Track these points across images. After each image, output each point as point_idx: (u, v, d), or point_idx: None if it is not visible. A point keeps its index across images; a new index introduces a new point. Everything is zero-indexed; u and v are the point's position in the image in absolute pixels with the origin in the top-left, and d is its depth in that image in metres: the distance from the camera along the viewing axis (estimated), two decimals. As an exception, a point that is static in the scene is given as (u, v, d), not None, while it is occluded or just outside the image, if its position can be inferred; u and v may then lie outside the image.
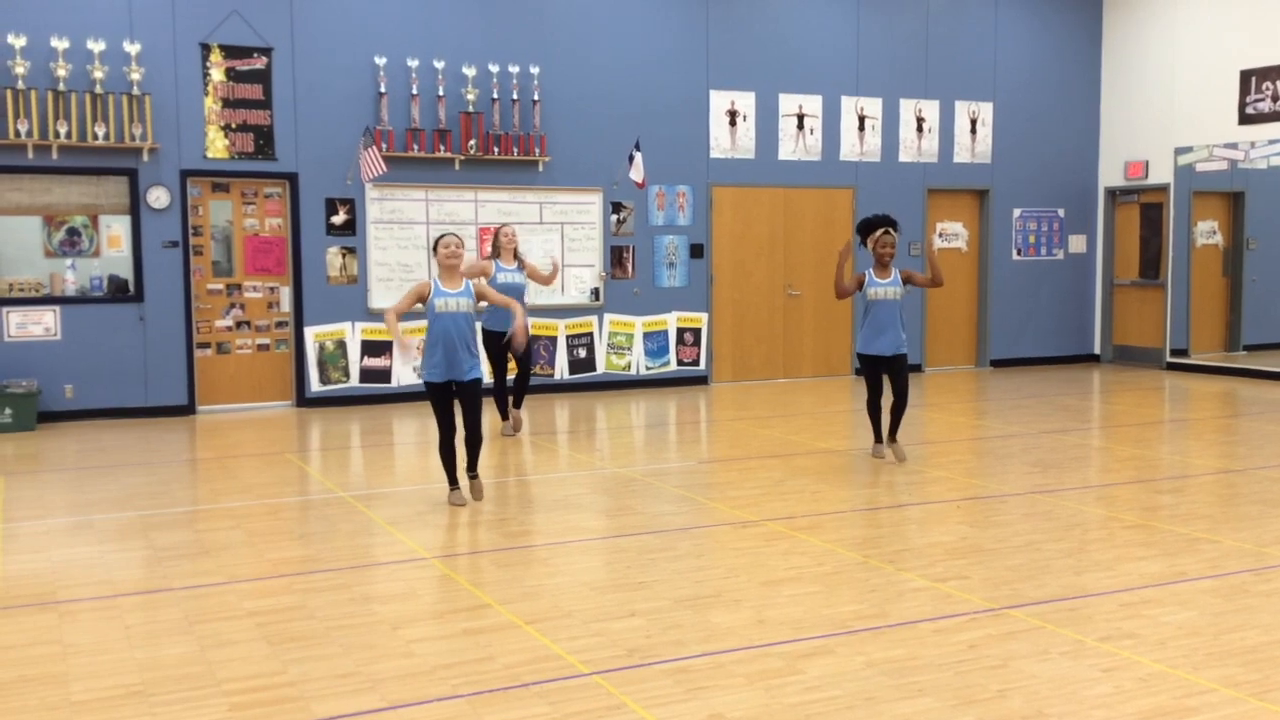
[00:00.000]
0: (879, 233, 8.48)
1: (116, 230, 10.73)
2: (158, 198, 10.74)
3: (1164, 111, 14.26)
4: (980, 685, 4.22)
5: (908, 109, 13.94)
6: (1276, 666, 4.40)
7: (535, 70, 11.91)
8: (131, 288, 10.75)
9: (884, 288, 8.42)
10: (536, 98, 11.91)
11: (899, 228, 8.68)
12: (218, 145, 10.94)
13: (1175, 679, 4.28)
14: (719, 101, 12.95)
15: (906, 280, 8.53)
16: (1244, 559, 5.89)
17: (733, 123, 13.05)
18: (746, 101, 13.08)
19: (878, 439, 8.70)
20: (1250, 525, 6.58)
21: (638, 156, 11.58)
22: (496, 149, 11.77)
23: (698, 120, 12.88)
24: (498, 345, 9.35)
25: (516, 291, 9.31)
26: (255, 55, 11.01)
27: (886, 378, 8.51)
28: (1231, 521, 6.70)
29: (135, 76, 10.41)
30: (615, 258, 12.55)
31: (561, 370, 12.40)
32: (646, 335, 12.80)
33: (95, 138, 10.33)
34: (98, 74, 10.28)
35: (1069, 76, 14.87)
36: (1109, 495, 7.49)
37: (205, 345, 11.16)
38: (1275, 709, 4.01)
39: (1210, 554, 5.98)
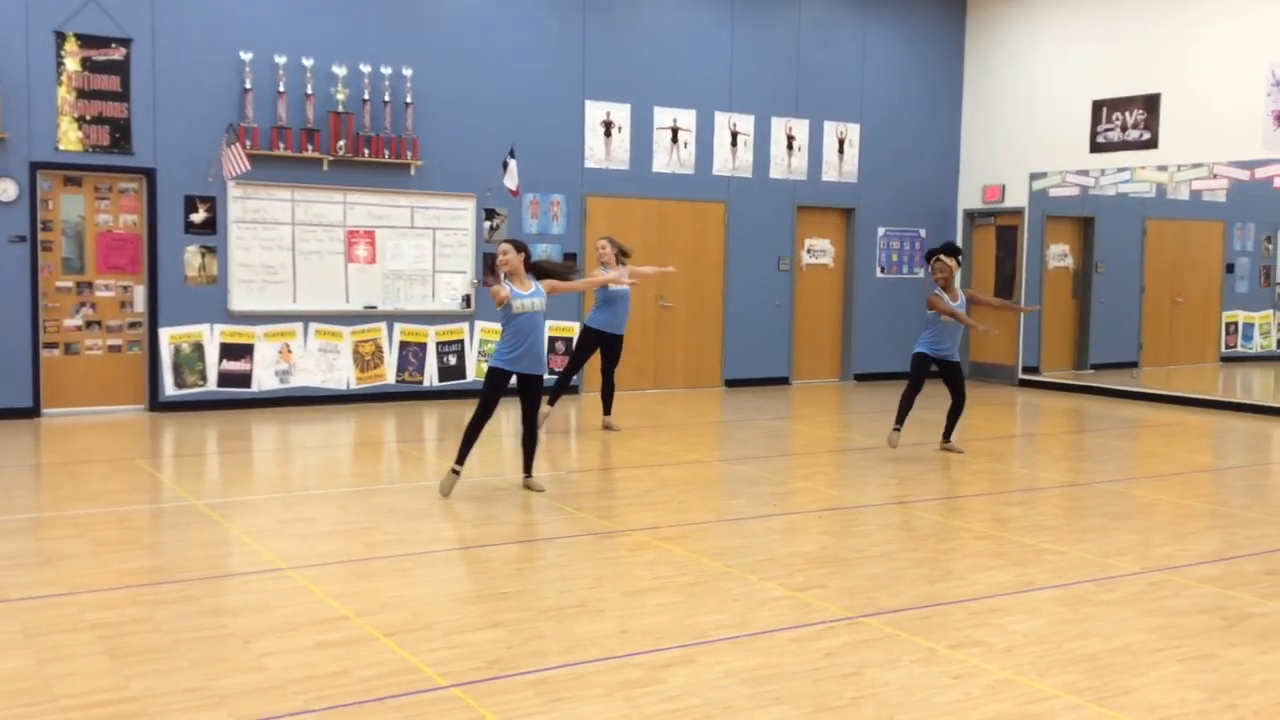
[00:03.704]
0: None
1: (-43, 222, 10.19)
2: (5, 190, 10.24)
3: (1021, 138, 14.84)
4: (834, 693, 4.30)
5: (779, 127, 14.19)
6: (1116, 673, 4.59)
7: (408, 72, 11.75)
8: (-27, 283, 10.22)
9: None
10: (409, 100, 11.74)
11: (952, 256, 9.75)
12: (70, 137, 10.49)
13: (1020, 685, 4.43)
14: (594, 112, 12.98)
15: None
16: (1087, 569, 6.13)
17: (608, 133, 13.08)
18: (621, 113, 13.13)
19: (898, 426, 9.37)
20: (1093, 537, 6.87)
21: (512, 164, 11.50)
22: (367, 151, 11.56)
23: (573, 130, 12.88)
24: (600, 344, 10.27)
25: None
26: (113, 45, 10.60)
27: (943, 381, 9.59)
28: (1076, 533, 6.98)
29: (-18, 62, 9.93)
30: (488, 265, 12.43)
31: (431, 378, 12.23)
32: (517, 344, 12.69)
33: (-64, 124, 9.81)
34: (-60, 57, 9.77)
35: (932, 101, 15.34)
36: (962, 506, 7.73)
37: (53, 345, 10.66)
38: (1115, 714, 4.18)
39: (1056, 564, 6.22)
